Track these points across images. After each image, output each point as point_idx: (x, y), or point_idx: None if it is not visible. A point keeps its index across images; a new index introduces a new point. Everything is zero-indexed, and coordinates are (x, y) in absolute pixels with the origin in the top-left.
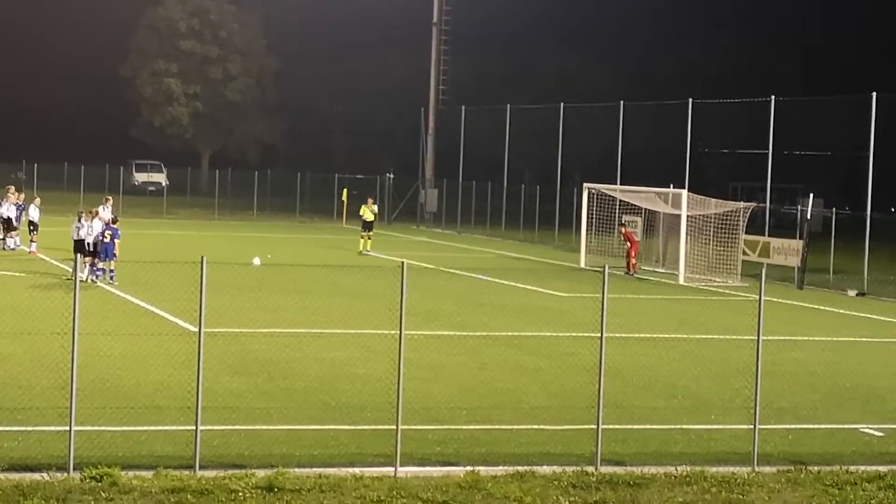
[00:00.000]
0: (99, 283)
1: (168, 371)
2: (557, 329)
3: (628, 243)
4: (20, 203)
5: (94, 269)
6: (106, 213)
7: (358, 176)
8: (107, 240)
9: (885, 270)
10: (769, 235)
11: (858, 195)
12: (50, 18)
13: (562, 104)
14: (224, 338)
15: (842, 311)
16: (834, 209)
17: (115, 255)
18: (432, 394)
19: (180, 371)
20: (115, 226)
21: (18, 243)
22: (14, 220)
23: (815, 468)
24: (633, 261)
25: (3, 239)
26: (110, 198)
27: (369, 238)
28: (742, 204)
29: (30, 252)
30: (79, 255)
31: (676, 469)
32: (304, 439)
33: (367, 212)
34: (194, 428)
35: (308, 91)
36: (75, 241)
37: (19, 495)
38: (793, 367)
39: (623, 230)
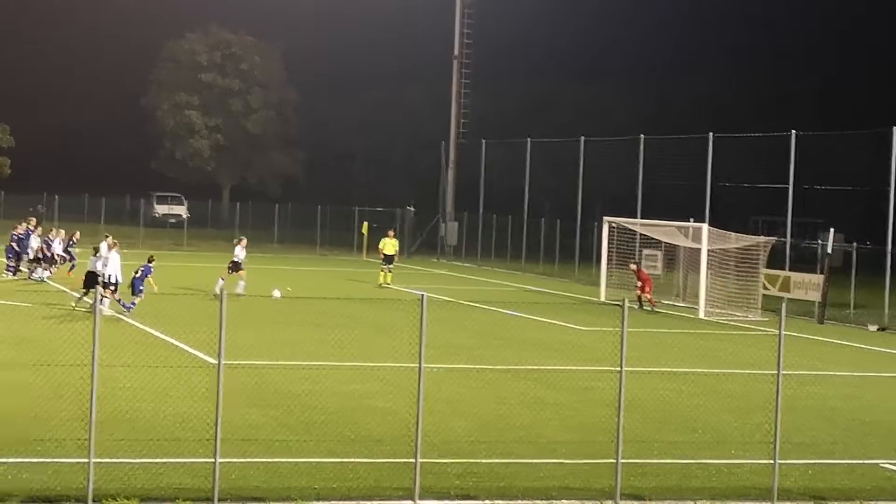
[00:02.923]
0: (125, 315)
1: (187, 403)
2: (577, 363)
3: (640, 282)
4: (19, 234)
5: (121, 302)
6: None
7: (378, 209)
8: (138, 275)
9: None
10: (790, 270)
11: (879, 230)
12: (71, 51)
13: (582, 138)
14: (243, 370)
15: (862, 345)
16: (854, 244)
17: (141, 290)
18: (451, 427)
19: (199, 403)
20: (149, 264)
21: (41, 275)
22: (32, 252)
23: None
24: (649, 296)
25: (31, 270)
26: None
27: (389, 271)
28: (763, 238)
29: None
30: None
31: None
32: (322, 472)
33: (388, 245)
34: (213, 460)
35: (328, 124)
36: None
37: None
38: (813, 402)
39: (635, 268)
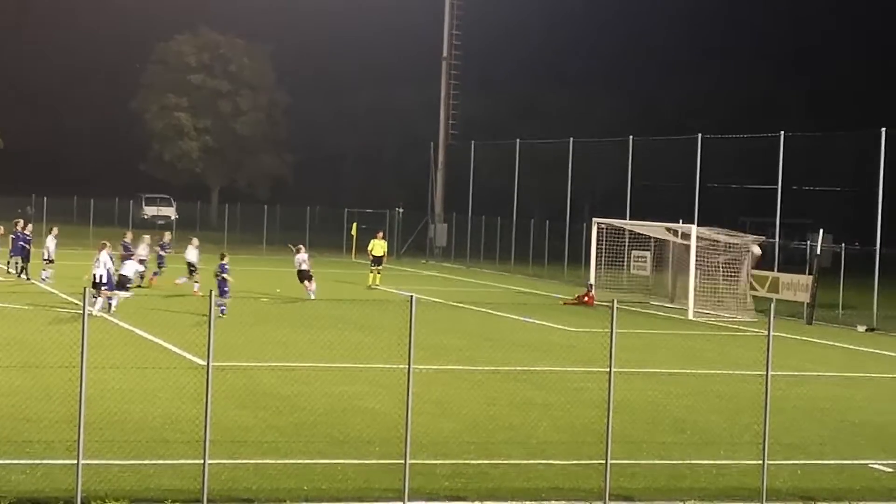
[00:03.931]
0: (223, 316)
1: (176, 404)
2: (566, 364)
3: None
4: (24, 234)
5: (110, 300)
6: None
7: (367, 210)
8: (219, 276)
9: (895, 306)
10: (778, 271)
11: (868, 231)
12: (61, 53)
13: (571, 139)
14: (233, 371)
15: (851, 346)
16: (843, 244)
17: (227, 291)
18: (441, 428)
19: (188, 404)
20: (223, 262)
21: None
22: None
23: None
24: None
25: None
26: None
27: (378, 272)
28: (751, 237)
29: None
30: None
31: None
32: (312, 473)
33: (377, 246)
34: (202, 461)
35: (317, 125)
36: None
37: None
38: (802, 403)
39: (585, 297)
